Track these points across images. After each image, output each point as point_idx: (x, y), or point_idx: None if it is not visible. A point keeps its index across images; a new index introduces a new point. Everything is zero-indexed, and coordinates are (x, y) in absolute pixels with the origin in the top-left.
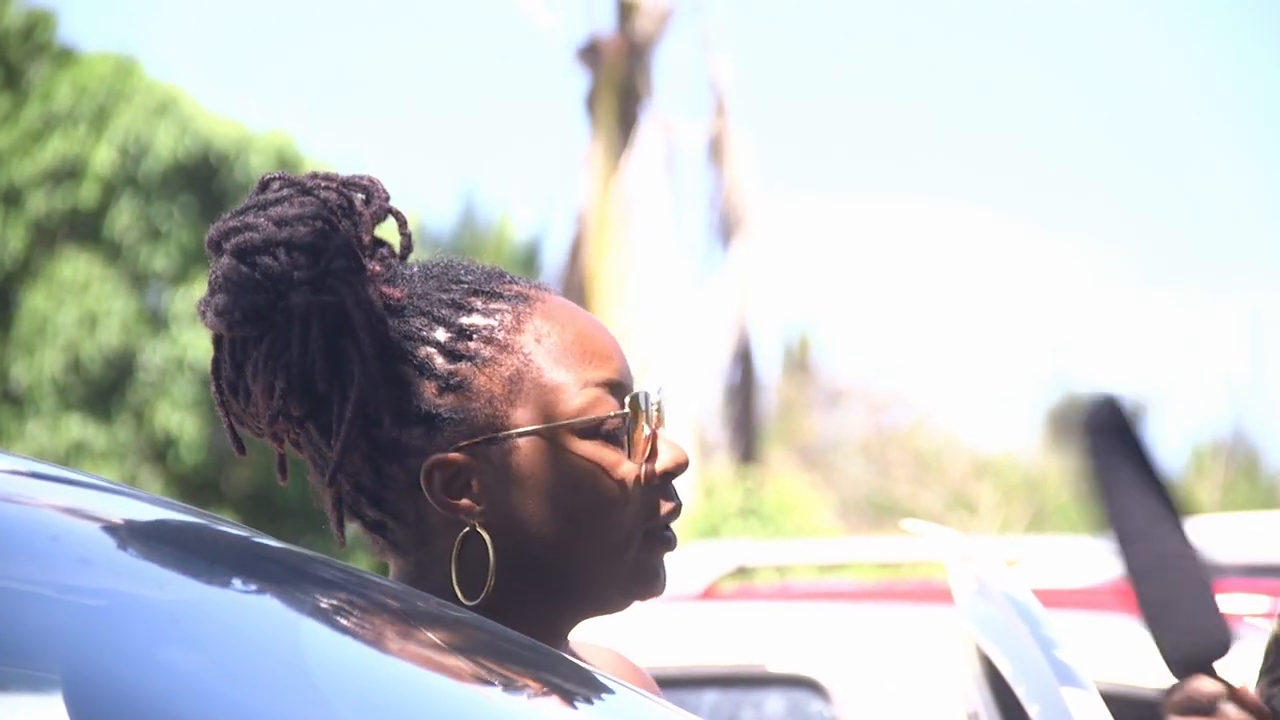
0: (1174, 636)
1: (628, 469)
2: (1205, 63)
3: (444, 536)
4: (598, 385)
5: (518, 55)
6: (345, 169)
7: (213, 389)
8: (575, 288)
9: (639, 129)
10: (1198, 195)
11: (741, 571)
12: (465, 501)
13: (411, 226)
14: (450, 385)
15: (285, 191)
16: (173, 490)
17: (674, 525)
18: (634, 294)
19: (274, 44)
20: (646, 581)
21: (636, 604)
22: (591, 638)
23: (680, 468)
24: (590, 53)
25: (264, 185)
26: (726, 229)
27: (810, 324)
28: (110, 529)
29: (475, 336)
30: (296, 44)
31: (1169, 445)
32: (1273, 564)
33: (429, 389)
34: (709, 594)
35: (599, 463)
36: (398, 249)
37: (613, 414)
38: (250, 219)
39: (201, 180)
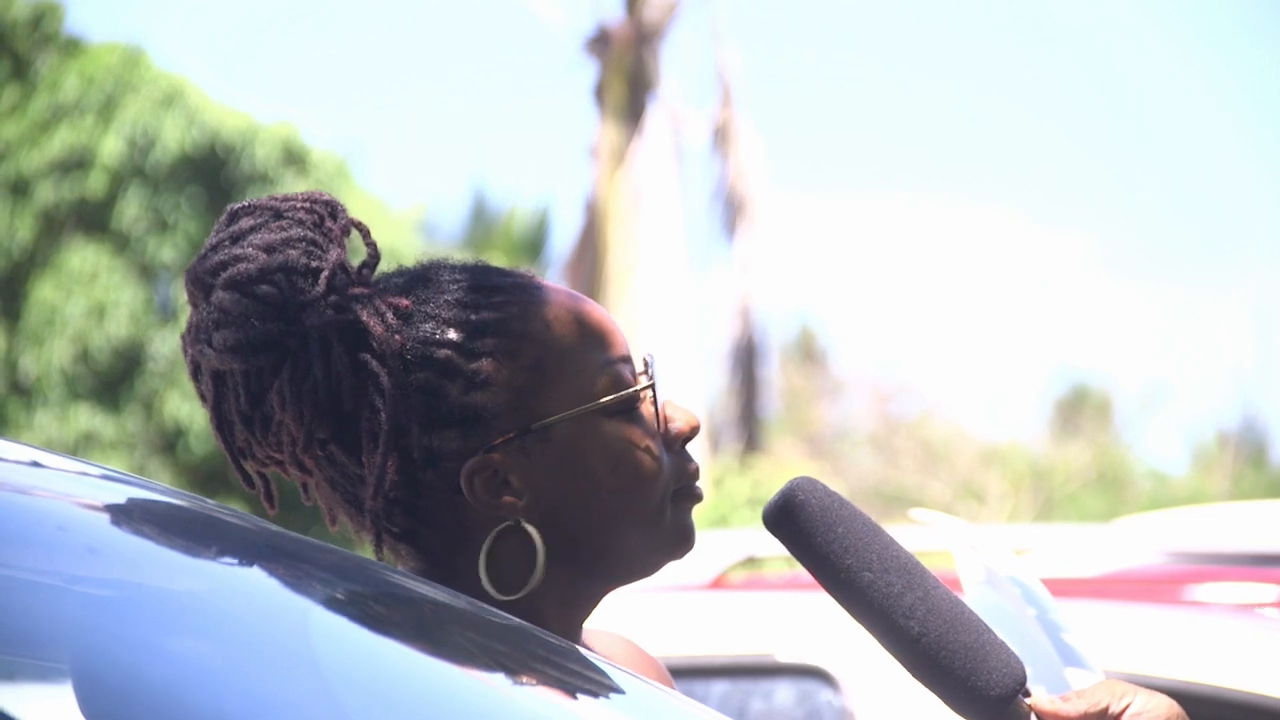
0: (986, 678)
1: (654, 439)
2: (1212, 56)
3: (480, 536)
4: (612, 363)
5: (525, 45)
6: (353, 160)
7: (216, 426)
8: (584, 277)
9: (647, 118)
10: (1205, 188)
11: (750, 561)
12: (508, 499)
13: (421, 219)
14: (475, 383)
15: (259, 218)
16: (182, 481)
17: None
18: (642, 283)
19: (281, 35)
20: (681, 540)
21: (670, 563)
22: (605, 625)
23: (694, 430)
24: (598, 41)
25: (232, 217)
26: (732, 218)
27: (818, 314)
28: (119, 519)
29: (489, 332)
30: (304, 35)
31: (1178, 435)
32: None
33: (454, 390)
34: (718, 584)
35: (630, 437)
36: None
37: (640, 387)
38: (236, 251)
39: (209, 171)
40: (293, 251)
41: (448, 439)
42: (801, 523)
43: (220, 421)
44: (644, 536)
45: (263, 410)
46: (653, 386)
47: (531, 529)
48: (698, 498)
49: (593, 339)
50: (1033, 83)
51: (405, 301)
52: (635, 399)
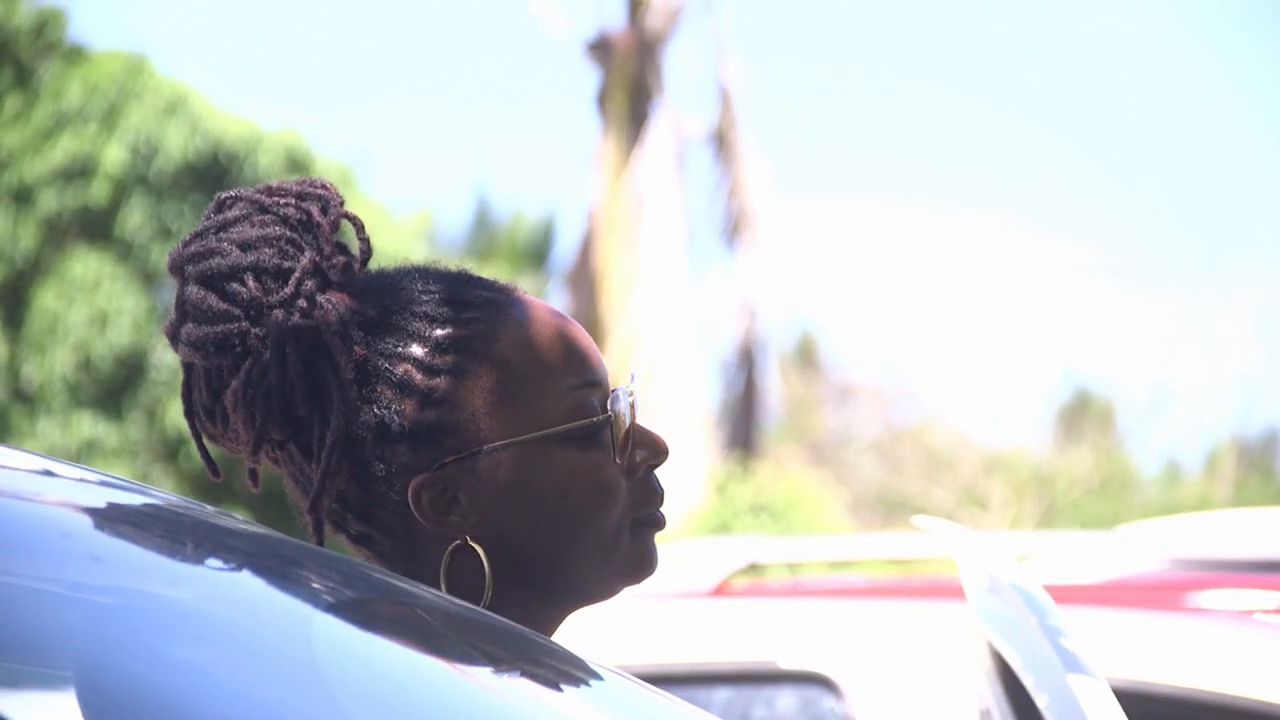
0: None
1: (612, 467)
2: (1215, 62)
3: (434, 549)
4: (576, 388)
5: (530, 53)
6: (357, 168)
7: (185, 411)
8: (586, 284)
9: (649, 126)
10: (1209, 195)
11: (753, 568)
12: (454, 516)
13: (425, 226)
14: (431, 401)
15: (243, 210)
16: (184, 488)
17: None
18: (643, 290)
19: (285, 42)
20: (639, 567)
21: (631, 588)
22: (587, 634)
23: (661, 457)
24: (601, 49)
25: (220, 205)
26: (733, 226)
27: (820, 321)
28: (121, 527)
29: (451, 349)
30: (308, 42)
31: (1182, 442)
32: None
33: (410, 406)
34: (720, 591)
35: (584, 466)
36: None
37: (594, 420)
38: (212, 243)
39: (212, 179)
40: (267, 250)
41: (399, 453)
42: None
43: (188, 408)
44: (597, 562)
45: (221, 406)
46: (610, 419)
47: (478, 548)
48: (659, 525)
49: (559, 363)
50: (1035, 90)
51: (371, 311)
52: (597, 426)
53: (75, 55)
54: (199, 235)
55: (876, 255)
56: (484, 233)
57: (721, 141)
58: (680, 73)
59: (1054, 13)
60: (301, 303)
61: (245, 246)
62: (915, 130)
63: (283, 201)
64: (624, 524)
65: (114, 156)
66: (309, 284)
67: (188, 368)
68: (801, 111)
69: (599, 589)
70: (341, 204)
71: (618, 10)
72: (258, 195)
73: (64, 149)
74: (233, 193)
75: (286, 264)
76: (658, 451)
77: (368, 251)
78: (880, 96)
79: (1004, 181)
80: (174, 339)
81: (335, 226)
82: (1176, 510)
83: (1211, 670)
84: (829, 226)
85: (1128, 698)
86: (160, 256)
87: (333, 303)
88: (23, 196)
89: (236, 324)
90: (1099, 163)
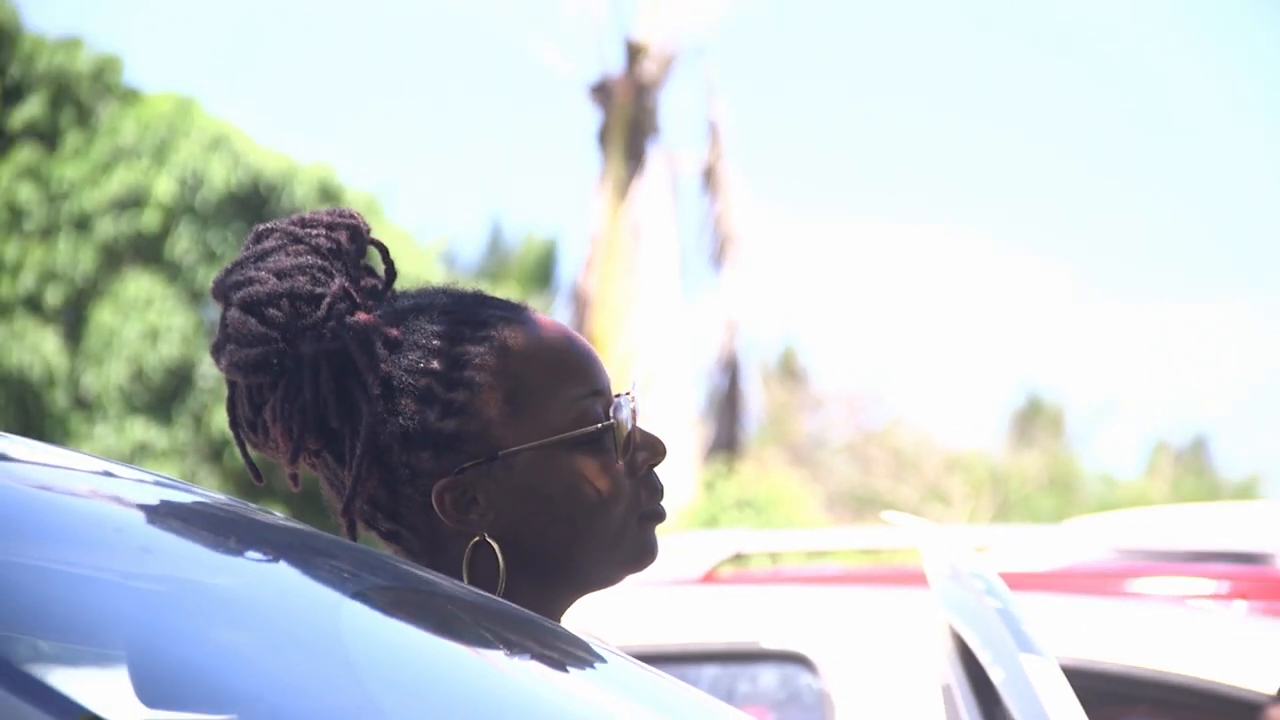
0: None
1: (615, 468)
2: (1180, 79)
3: (455, 545)
4: (582, 397)
5: (538, 95)
6: (383, 198)
7: (230, 422)
8: (588, 303)
9: (645, 160)
10: (1159, 216)
11: (738, 558)
12: (474, 515)
13: (443, 250)
14: (451, 411)
15: (278, 241)
16: (228, 486)
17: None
18: (640, 308)
19: (321, 84)
20: (640, 556)
21: (633, 576)
22: (590, 618)
23: (660, 457)
24: (602, 92)
25: (258, 236)
26: (720, 250)
27: (799, 334)
28: (169, 522)
29: (468, 365)
30: (341, 85)
31: (1125, 445)
32: (1216, 551)
33: (432, 416)
34: (708, 578)
35: (590, 468)
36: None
37: (599, 426)
38: (251, 272)
39: (252, 208)
40: (301, 278)
41: (423, 459)
42: None
43: (233, 420)
44: (602, 554)
45: (262, 419)
46: (613, 425)
47: (494, 543)
48: (660, 518)
49: (566, 375)
50: (1007, 106)
51: (395, 331)
52: (602, 432)
53: (130, 97)
54: (239, 264)
55: (850, 270)
56: (497, 256)
57: (710, 175)
58: (674, 112)
59: (1018, 47)
60: (332, 324)
61: (281, 274)
62: (885, 157)
63: (314, 232)
64: (629, 518)
65: (164, 188)
66: (339, 308)
67: (231, 385)
68: (783, 139)
69: (604, 577)
70: (368, 232)
71: (617, 57)
72: (291, 227)
73: (119, 181)
74: (269, 225)
75: (318, 290)
76: (657, 452)
77: (392, 275)
78: (854, 125)
79: (967, 204)
80: (218, 359)
81: (362, 253)
82: (1118, 507)
83: (1149, 650)
84: (808, 243)
85: (1075, 674)
86: (206, 278)
87: (360, 324)
88: (82, 224)
89: (274, 346)
90: (1066, 179)
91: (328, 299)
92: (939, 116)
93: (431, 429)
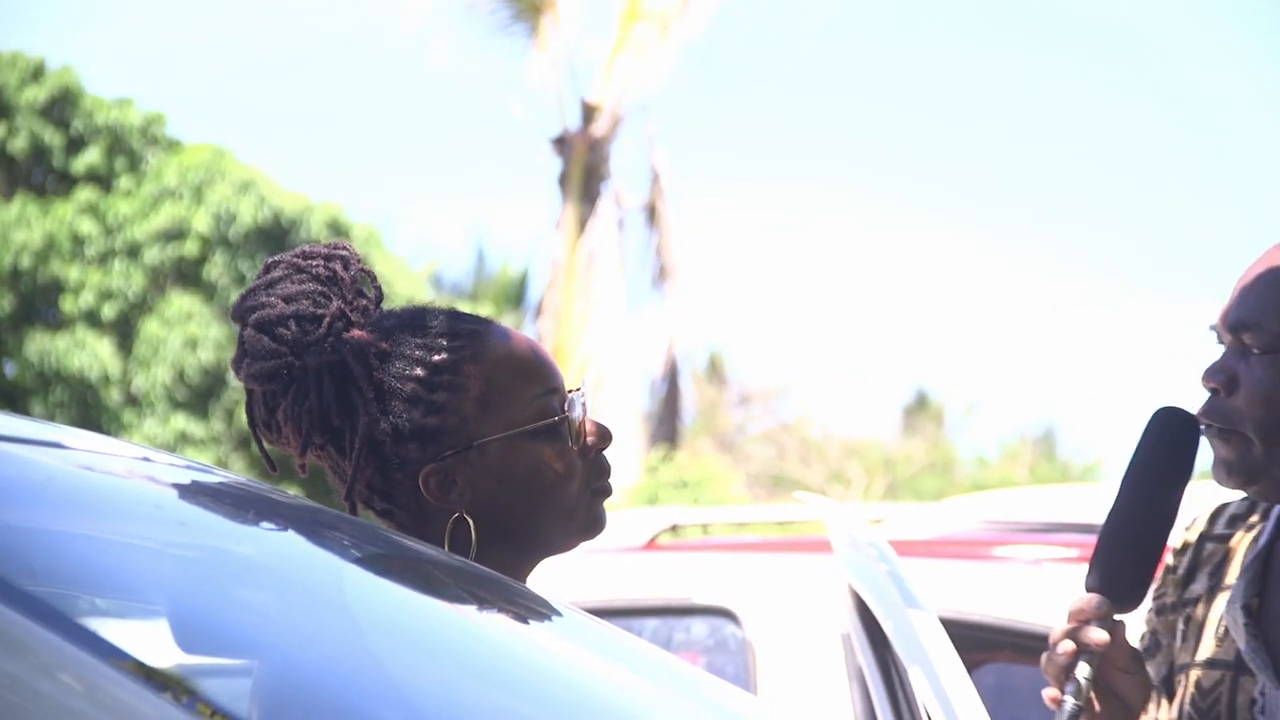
0: (1104, 570)
1: (571, 452)
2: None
3: (438, 520)
4: (541, 395)
5: (512, 144)
6: (383, 230)
7: (249, 422)
8: (551, 317)
9: (599, 200)
10: (1030, 227)
11: (674, 529)
12: (454, 495)
13: (433, 271)
14: (433, 410)
15: (284, 271)
16: (253, 471)
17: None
18: (594, 323)
19: (331, 135)
20: (591, 526)
21: (585, 544)
22: (550, 579)
23: (607, 442)
24: (562, 144)
25: (267, 268)
26: (659, 275)
27: (724, 342)
28: (201, 499)
29: (446, 370)
30: (349, 136)
31: (988, 435)
32: (1065, 523)
33: (417, 414)
34: (650, 546)
35: (549, 453)
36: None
37: (555, 419)
38: (263, 298)
39: (275, 239)
40: (304, 302)
41: (411, 450)
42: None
43: (251, 421)
44: (560, 525)
45: (276, 420)
46: (567, 417)
47: (469, 519)
48: (607, 493)
49: (528, 376)
50: (898, 139)
51: (385, 345)
52: (558, 423)
53: (173, 146)
54: (252, 291)
55: (769, 287)
56: (480, 279)
57: (651, 212)
58: (621, 160)
59: (954, 68)
60: (331, 340)
61: (288, 299)
62: (812, 174)
63: (314, 262)
64: (582, 494)
65: (202, 222)
66: (337, 326)
67: (249, 392)
68: (716, 175)
69: (561, 545)
70: (359, 261)
71: (575, 115)
72: (295, 259)
73: (165, 216)
74: (276, 257)
75: (319, 311)
76: (604, 438)
77: (380, 296)
78: (775, 155)
79: (871, 224)
80: (238, 371)
81: (356, 280)
82: (987, 487)
83: (1011, 604)
84: (731, 263)
85: (950, 625)
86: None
87: (355, 340)
88: (133, 252)
89: (284, 359)
90: (975, 181)
91: (327, 319)
92: (856, 139)
93: (417, 425)
